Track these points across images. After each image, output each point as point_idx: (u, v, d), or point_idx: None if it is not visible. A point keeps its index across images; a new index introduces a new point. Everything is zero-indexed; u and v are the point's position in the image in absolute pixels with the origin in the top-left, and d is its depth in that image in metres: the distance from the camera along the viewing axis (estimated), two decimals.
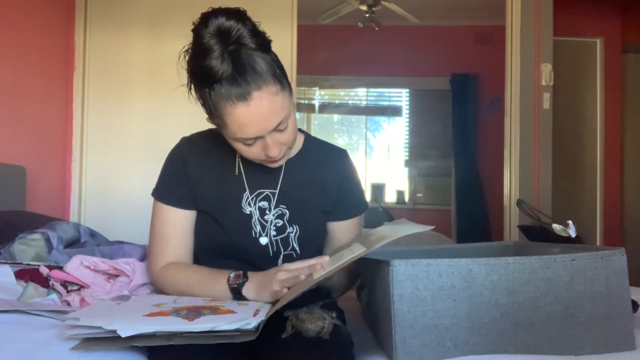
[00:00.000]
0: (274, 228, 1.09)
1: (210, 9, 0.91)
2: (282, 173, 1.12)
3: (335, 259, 0.93)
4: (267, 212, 1.09)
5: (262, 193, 1.10)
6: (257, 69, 0.90)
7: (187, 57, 0.94)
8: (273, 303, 0.93)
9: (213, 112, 0.94)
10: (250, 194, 1.10)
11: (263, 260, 1.08)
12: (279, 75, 0.94)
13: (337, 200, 1.14)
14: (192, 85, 0.96)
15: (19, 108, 2.25)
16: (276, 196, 1.10)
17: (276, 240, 1.09)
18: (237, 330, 0.78)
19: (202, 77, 0.91)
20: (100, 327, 0.75)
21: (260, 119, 0.93)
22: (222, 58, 0.88)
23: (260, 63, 0.91)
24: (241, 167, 1.11)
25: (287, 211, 1.10)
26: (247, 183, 1.11)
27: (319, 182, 1.13)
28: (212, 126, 1.03)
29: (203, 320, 0.79)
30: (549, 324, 0.83)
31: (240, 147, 0.99)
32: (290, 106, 0.98)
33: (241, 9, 0.92)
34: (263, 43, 0.93)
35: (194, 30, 0.91)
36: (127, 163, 2.77)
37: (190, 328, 0.77)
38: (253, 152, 0.99)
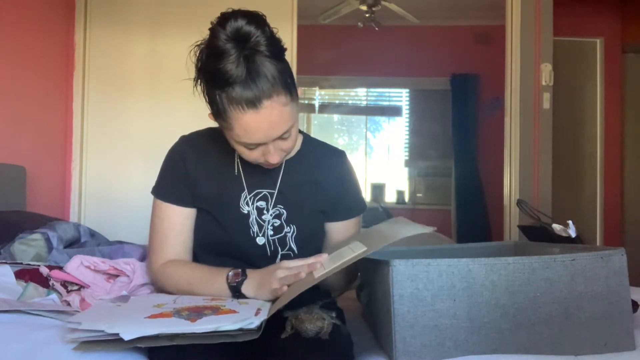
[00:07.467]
0: (272, 228, 1.09)
1: (230, 10, 0.91)
2: (281, 173, 1.12)
3: (335, 257, 0.93)
4: (265, 212, 1.09)
5: (260, 193, 1.10)
6: (270, 77, 0.90)
7: (197, 53, 0.94)
8: (273, 301, 0.93)
9: (220, 114, 0.94)
10: (249, 194, 1.10)
11: (261, 259, 1.08)
12: (289, 85, 0.94)
13: (335, 201, 1.14)
14: (201, 83, 0.96)
15: (19, 108, 2.25)
16: (274, 196, 1.10)
17: (273, 240, 1.09)
18: (239, 329, 0.78)
19: (214, 79, 0.91)
20: (102, 331, 0.75)
21: (267, 127, 0.93)
22: (238, 62, 0.88)
23: (273, 72, 0.91)
24: (240, 166, 1.12)
25: (284, 211, 1.10)
26: (245, 183, 1.11)
27: (317, 182, 1.13)
28: (211, 124, 1.03)
29: (205, 321, 0.79)
30: (549, 324, 0.84)
31: (240, 149, 0.99)
32: (296, 115, 0.99)
33: (260, 13, 0.92)
34: (278, 51, 0.93)
35: (211, 30, 0.91)
36: (127, 163, 2.77)
37: (193, 329, 0.77)
38: (253, 155, 1.00)
